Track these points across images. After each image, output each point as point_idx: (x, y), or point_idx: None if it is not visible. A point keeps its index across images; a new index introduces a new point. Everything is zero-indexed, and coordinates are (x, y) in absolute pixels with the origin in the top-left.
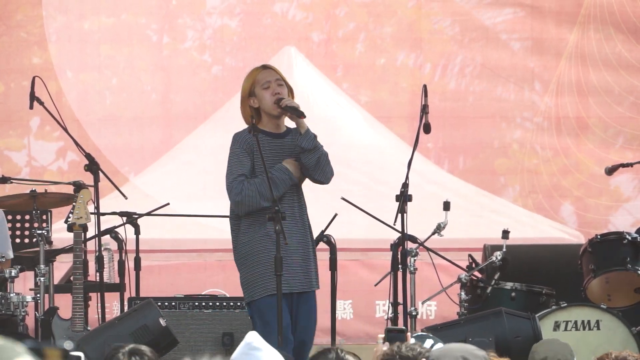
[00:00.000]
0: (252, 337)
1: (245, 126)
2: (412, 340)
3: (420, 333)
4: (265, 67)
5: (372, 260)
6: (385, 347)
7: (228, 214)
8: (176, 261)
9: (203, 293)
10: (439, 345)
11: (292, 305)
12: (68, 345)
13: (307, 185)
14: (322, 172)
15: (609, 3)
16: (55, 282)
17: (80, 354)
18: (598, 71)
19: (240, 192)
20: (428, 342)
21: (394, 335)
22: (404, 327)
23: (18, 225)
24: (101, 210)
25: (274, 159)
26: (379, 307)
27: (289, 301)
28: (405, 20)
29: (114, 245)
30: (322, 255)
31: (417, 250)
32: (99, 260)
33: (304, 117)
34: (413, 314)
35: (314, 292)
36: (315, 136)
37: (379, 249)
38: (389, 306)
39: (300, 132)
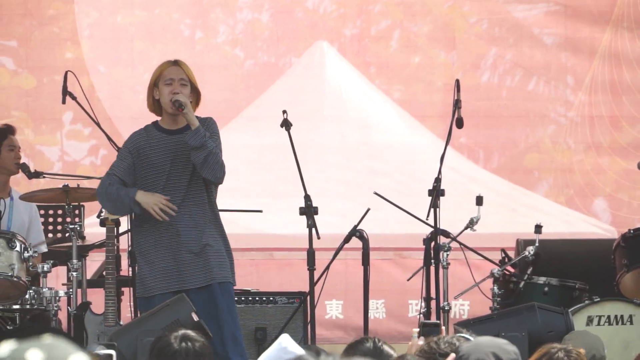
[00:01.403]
0: (287, 341)
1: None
2: (450, 334)
3: (465, 335)
4: (175, 64)
5: (405, 260)
6: (420, 342)
7: (257, 208)
8: None
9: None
10: None
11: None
12: (100, 349)
13: (340, 180)
14: (210, 170)
15: None
16: (88, 277)
17: (112, 351)
18: (632, 70)
19: (105, 190)
20: None
21: (429, 329)
22: (438, 321)
23: (51, 220)
24: None
25: (166, 155)
26: (411, 307)
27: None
28: (439, 19)
29: None
30: (355, 254)
31: (450, 245)
32: (132, 255)
33: (182, 109)
34: (446, 309)
35: (216, 285)
36: (205, 134)
37: (412, 248)
38: (421, 301)
39: (191, 129)
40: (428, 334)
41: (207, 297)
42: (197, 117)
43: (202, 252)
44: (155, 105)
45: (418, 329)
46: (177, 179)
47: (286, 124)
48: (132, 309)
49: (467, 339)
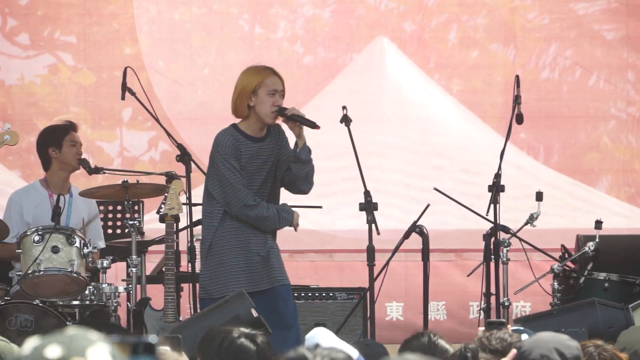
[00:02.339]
0: (314, 332)
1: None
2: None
3: (516, 327)
4: (274, 73)
5: (465, 261)
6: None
7: (314, 204)
8: None
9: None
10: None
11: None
12: (153, 339)
13: (399, 177)
14: (308, 183)
15: None
16: (147, 273)
17: (179, 335)
18: None
19: (267, 211)
20: (524, 337)
21: (494, 327)
22: (503, 320)
23: (110, 215)
24: (193, 201)
25: (251, 162)
26: (472, 309)
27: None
28: (497, 12)
29: None
30: (415, 256)
31: (510, 240)
32: (191, 251)
33: (318, 127)
34: (505, 304)
35: (280, 287)
36: (310, 149)
37: (472, 249)
38: (481, 297)
39: (298, 144)
40: None
41: (269, 298)
42: (272, 125)
43: (268, 255)
44: (244, 110)
45: (483, 328)
46: (263, 185)
47: (346, 120)
48: (192, 304)
49: (520, 330)
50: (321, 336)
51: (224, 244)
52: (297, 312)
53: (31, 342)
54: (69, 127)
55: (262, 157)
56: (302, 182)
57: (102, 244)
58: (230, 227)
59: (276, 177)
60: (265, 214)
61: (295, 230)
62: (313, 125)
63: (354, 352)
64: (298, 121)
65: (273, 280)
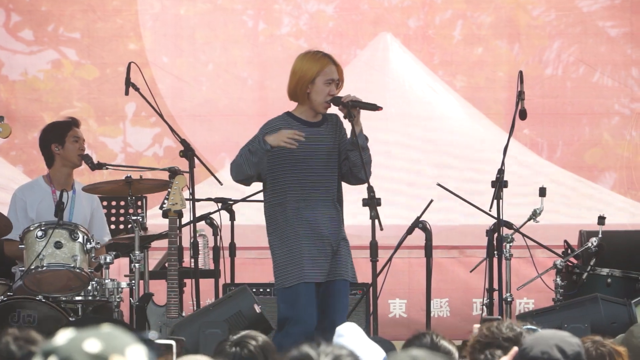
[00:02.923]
0: (342, 327)
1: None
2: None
3: (529, 326)
4: (333, 62)
5: (468, 258)
6: None
7: None
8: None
9: None
10: None
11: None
12: (152, 335)
13: (403, 173)
14: (368, 170)
15: None
16: (150, 269)
17: (172, 342)
18: None
19: (240, 158)
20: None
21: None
22: (499, 317)
23: (113, 211)
24: (196, 197)
25: (303, 146)
26: (475, 305)
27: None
28: (502, 9)
29: (209, 231)
30: (418, 253)
31: (513, 236)
32: (194, 247)
33: (381, 108)
34: (508, 300)
35: (340, 281)
36: (367, 136)
37: (475, 246)
38: (484, 292)
39: (355, 131)
40: None
41: (325, 291)
42: (325, 114)
43: (338, 247)
44: (304, 96)
45: (479, 325)
46: (321, 172)
47: (349, 115)
48: (195, 300)
49: (532, 330)
50: (348, 331)
51: (298, 231)
52: (347, 310)
53: (66, 333)
54: (72, 123)
55: (316, 142)
56: (360, 170)
57: (106, 239)
58: (298, 215)
59: (337, 167)
60: (238, 161)
61: (288, 146)
62: (375, 108)
63: (380, 353)
64: (358, 106)
65: (335, 273)
